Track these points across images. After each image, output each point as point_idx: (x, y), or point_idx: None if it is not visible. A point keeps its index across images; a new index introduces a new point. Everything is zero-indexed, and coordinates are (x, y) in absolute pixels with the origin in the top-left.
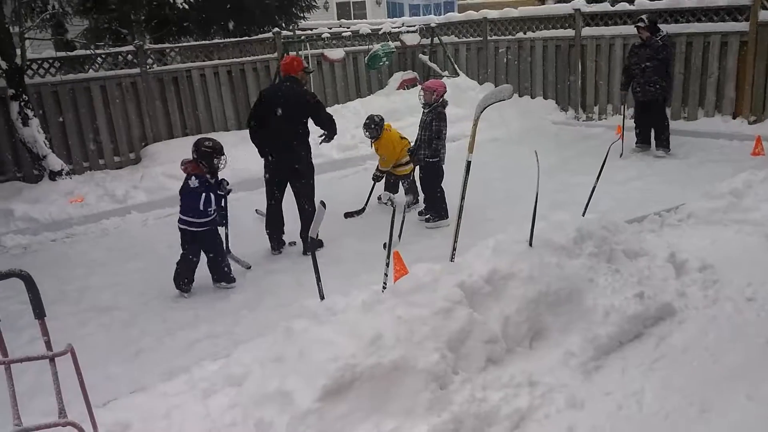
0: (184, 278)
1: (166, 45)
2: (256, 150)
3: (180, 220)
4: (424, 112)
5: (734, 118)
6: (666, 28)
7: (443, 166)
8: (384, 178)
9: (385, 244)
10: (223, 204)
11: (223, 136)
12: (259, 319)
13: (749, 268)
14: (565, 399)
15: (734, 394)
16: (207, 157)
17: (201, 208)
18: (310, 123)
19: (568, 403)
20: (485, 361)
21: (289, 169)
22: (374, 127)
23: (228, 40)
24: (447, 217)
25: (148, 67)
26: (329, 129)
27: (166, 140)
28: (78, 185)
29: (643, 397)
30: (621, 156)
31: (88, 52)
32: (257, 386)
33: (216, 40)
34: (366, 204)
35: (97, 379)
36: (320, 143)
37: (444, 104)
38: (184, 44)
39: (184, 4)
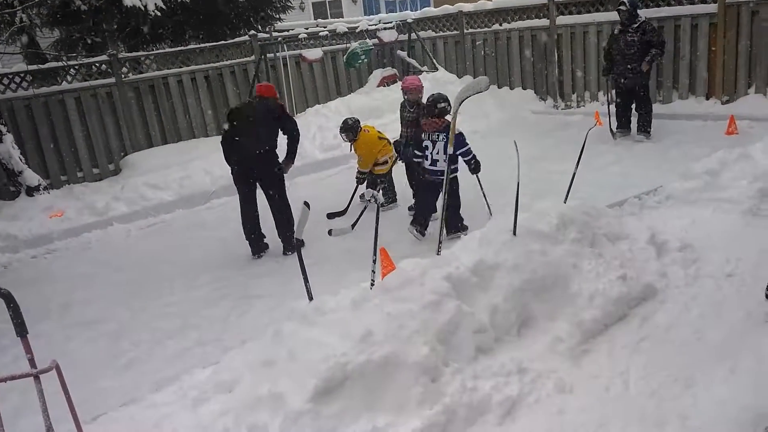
0: None
1: (141, 53)
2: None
3: None
4: (408, 110)
5: (707, 99)
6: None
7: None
8: (367, 178)
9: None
10: None
11: (204, 142)
12: (248, 325)
13: (727, 245)
14: (554, 384)
15: (717, 368)
16: None
17: None
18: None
19: (558, 387)
20: (475, 351)
21: (262, 176)
22: (349, 130)
23: (204, 45)
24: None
25: (123, 76)
26: (294, 140)
27: (145, 149)
28: (57, 200)
29: (630, 377)
30: (615, 138)
31: (60, 64)
32: (248, 391)
33: (192, 46)
34: (349, 204)
35: (87, 394)
36: (285, 170)
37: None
38: (159, 51)
39: (156, 11)
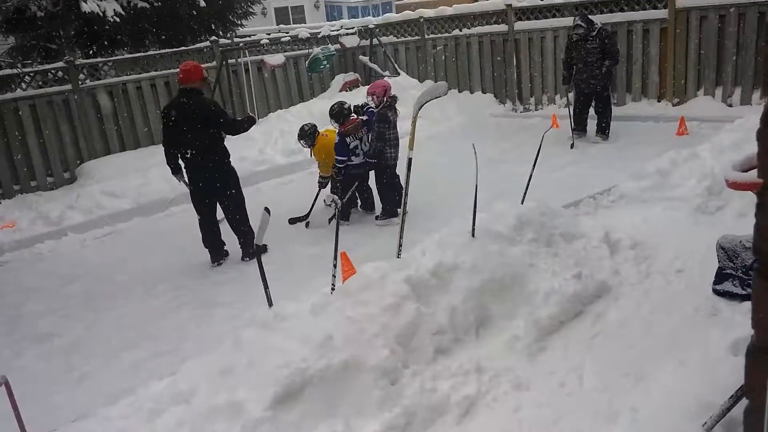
0: None
1: (99, 59)
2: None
3: None
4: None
5: (659, 101)
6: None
7: (393, 165)
8: (329, 183)
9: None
10: None
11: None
12: (207, 334)
13: (677, 242)
14: (511, 382)
15: (667, 361)
16: None
17: None
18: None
19: (515, 385)
20: (434, 352)
21: (211, 181)
22: (306, 136)
23: (163, 51)
24: (397, 215)
25: (80, 82)
26: (237, 132)
27: (102, 157)
28: (8, 210)
29: (584, 373)
30: (572, 147)
31: (14, 71)
32: (206, 401)
33: (151, 52)
34: (311, 209)
35: (38, 409)
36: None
37: (390, 105)
38: (118, 57)
39: (115, 17)
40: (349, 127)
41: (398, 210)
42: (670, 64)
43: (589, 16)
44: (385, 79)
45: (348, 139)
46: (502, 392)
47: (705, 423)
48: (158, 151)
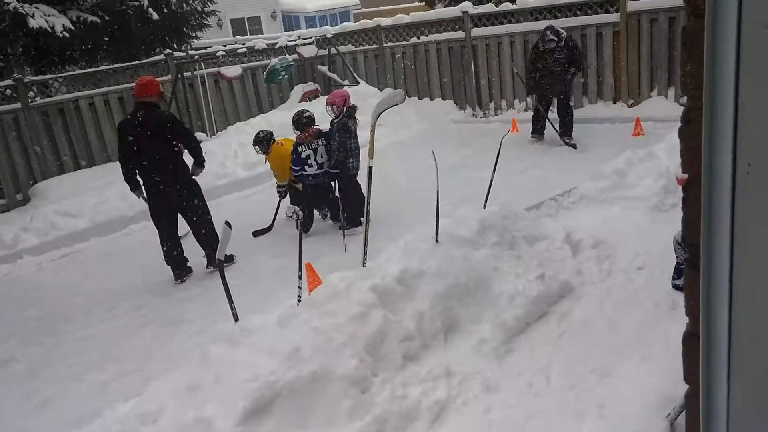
0: None
1: (49, 76)
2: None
3: None
4: (343, 134)
5: (615, 103)
6: (546, 24)
7: (354, 174)
8: (288, 193)
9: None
10: None
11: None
12: (173, 352)
13: (636, 240)
14: (480, 384)
15: (630, 357)
16: None
17: None
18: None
19: (484, 387)
20: (403, 359)
21: (172, 194)
22: (261, 142)
23: (116, 65)
24: (361, 224)
25: (30, 100)
26: (194, 149)
27: (56, 176)
28: None
29: (551, 372)
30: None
31: None
32: (174, 420)
33: (103, 67)
34: (273, 221)
35: None
36: (197, 173)
37: (350, 114)
38: (69, 73)
39: (64, 32)
40: (303, 135)
41: (362, 219)
42: (623, 67)
43: (556, 27)
44: (345, 88)
45: (300, 148)
46: (472, 395)
47: (669, 414)
48: (115, 168)
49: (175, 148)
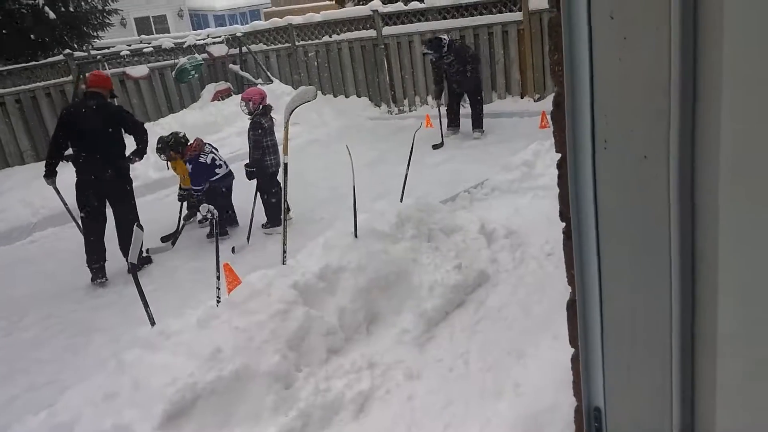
0: None
1: None
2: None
3: None
4: (259, 132)
5: (522, 97)
6: (454, 23)
7: (274, 173)
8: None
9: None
10: None
11: (20, 171)
12: (87, 361)
13: (546, 228)
14: (403, 373)
15: (543, 338)
16: None
17: None
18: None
19: (406, 375)
20: (326, 352)
21: (110, 186)
22: (167, 147)
23: (12, 66)
24: (280, 224)
25: None
26: (143, 138)
27: None
28: None
29: (470, 357)
30: (440, 145)
31: None
32: (90, 428)
33: None
34: (180, 224)
35: None
36: (134, 161)
37: (265, 112)
38: None
39: None
40: (192, 148)
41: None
42: (528, 63)
43: (438, 35)
44: (258, 87)
45: (202, 158)
46: (395, 384)
47: None
48: (12, 174)
49: (121, 140)
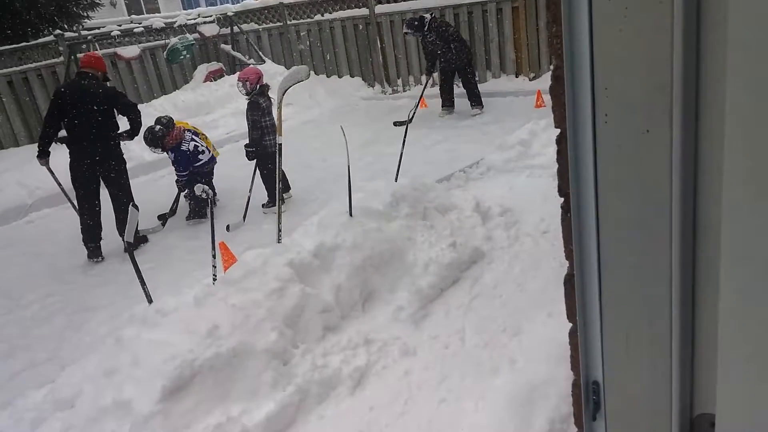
0: None
1: None
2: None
3: None
4: (257, 112)
5: (517, 76)
6: (447, 1)
7: (273, 152)
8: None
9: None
10: None
11: (15, 153)
12: (86, 338)
13: (541, 206)
14: (398, 349)
15: (538, 315)
16: None
17: None
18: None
19: (402, 352)
20: (323, 329)
21: (104, 166)
22: (158, 139)
23: (2, 48)
24: (283, 202)
25: None
26: (136, 119)
27: None
28: None
29: (465, 334)
30: (405, 122)
31: None
32: (91, 403)
33: None
34: (175, 203)
35: None
36: (124, 139)
37: (262, 92)
38: None
39: None
40: (174, 136)
41: (284, 195)
42: (523, 41)
43: (421, 14)
44: (250, 66)
45: (184, 146)
46: (391, 360)
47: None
48: (7, 156)
49: (114, 120)
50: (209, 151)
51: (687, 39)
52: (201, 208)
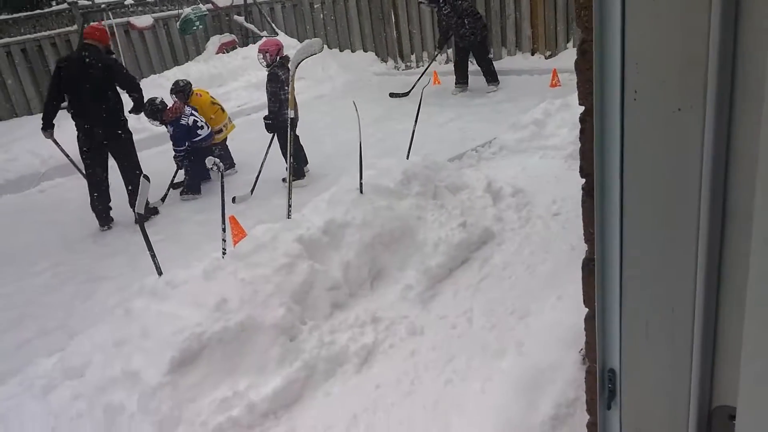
0: None
1: None
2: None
3: None
4: (276, 84)
5: (533, 54)
6: None
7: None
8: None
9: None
10: None
11: (29, 121)
12: (96, 307)
13: (553, 187)
14: (406, 328)
15: (547, 297)
16: None
17: None
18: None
19: (409, 331)
20: (330, 307)
21: (108, 138)
22: (180, 91)
23: (17, 15)
24: (304, 175)
25: None
26: (135, 94)
27: None
28: None
29: (473, 315)
30: (401, 95)
31: None
32: (101, 372)
33: (3, 17)
34: (173, 180)
35: None
36: (130, 112)
37: (282, 64)
38: None
39: None
40: (172, 109)
41: (305, 168)
42: (540, 18)
43: None
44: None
45: (183, 120)
46: (398, 339)
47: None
48: (23, 124)
49: (116, 92)
50: (208, 127)
51: (725, 10)
52: (196, 185)
